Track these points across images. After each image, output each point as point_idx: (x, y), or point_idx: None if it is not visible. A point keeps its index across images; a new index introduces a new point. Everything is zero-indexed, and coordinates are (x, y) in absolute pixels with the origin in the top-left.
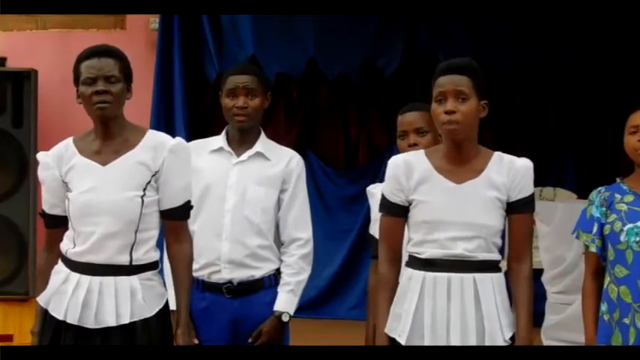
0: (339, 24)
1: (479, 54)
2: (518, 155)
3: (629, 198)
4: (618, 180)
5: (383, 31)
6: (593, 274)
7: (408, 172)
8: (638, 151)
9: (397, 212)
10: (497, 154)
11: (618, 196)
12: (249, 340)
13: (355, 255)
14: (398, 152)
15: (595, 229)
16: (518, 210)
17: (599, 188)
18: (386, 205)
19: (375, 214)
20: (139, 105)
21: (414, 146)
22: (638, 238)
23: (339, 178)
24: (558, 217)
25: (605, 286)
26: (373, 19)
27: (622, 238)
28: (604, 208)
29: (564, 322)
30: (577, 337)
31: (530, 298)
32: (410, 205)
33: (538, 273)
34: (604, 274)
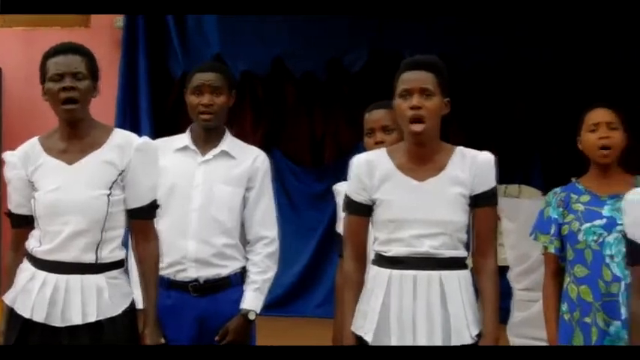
0: (305, 22)
1: (445, 51)
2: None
3: (586, 198)
4: (574, 180)
5: (349, 29)
6: (553, 274)
7: (371, 171)
8: (601, 149)
9: (361, 211)
10: (459, 149)
11: (574, 196)
12: (216, 339)
13: (322, 253)
14: (365, 150)
15: (553, 230)
16: (482, 204)
17: (555, 189)
18: (350, 204)
19: (342, 212)
20: (103, 103)
21: (380, 144)
22: (596, 237)
23: (306, 176)
24: (523, 214)
25: (565, 285)
26: (339, 16)
27: (580, 237)
28: (561, 209)
29: (530, 319)
30: (543, 334)
31: (495, 293)
32: (373, 203)
33: (504, 270)
34: (564, 275)
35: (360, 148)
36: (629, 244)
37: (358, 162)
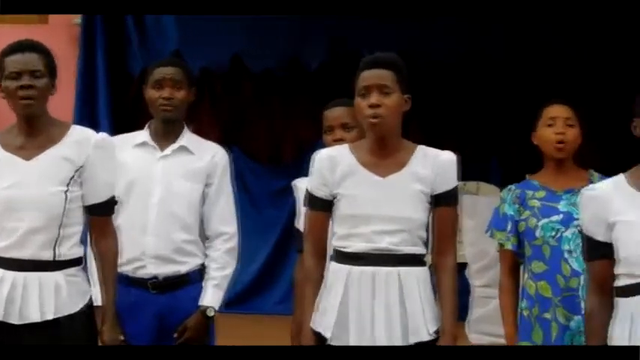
0: (264, 19)
1: (403, 50)
2: (443, 149)
3: (541, 194)
4: (528, 177)
5: (307, 26)
6: (510, 271)
7: (333, 166)
8: (557, 143)
9: (322, 206)
10: (421, 148)
11: (530, 193)
12: (174, 335)
13: (281, 250)
14: (324, 147)
15: (509, 226)
16: (443, 203)
17: (510, 186)
18: (311, 199)
19: (301, 208)
20: (61, 100)
21: (339, 141)
22: (554, 233)
23: (265, 172)
24: (482, 211)
25: (522, 282)
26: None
27: (538, 234)
28: (517, 205)
29: (488, 315)
30: (501, 331)
31: (454, 291)
32: (335, 199)
33: (462, 267)
34: (519, 271)
35: (320, 146)
36: (586, 240)
37: (320, 157)
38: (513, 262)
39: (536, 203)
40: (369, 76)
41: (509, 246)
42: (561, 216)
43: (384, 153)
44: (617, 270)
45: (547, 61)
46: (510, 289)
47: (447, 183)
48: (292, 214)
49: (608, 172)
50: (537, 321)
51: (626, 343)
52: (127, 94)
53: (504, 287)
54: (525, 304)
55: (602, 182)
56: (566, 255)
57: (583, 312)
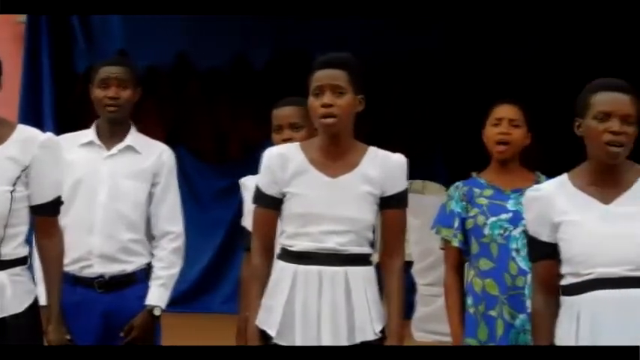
0: (209, 18)
1: (349, 48)
2: (386, 149)
3: (489, 192)
4: (474, 175)
5: (253, 25)
6: (455, 268)
7: (283, 164)
8: (499, 144)
9: (271, 204)
10: (372, 149)
11: (477, 191)
12: (121, 335)
13: (227, 249)
14: (271, 145)
15: (456, 223)
16: (392, 205)
17: (457, 183)
18: (260, 196)
19: (249, 207)
20: (5, 99)
21: (288, 141)
22: (502, 231)
23: (211, 171)
24: (428, 210)
25: (469, 279)
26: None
27: (486, 231)
28: (464, 203)
29: (434, 314)
30: (447, 329)
31: (401, 291)
32: (284, 197)
33: (408, 265)
34: (464, 269)
35: (267, 144)
36: (531, 240)
37: (270, 155)
38: (459, 259)
39: (484, 201)
40: (322, 76)
41: (455, 243)
42: (510, 215)
43: (335, 153)
44: (563, 269)
45: (492, 61)
46: (456, 286)
47: (397, 185)
48: (239, 212)
49: (558, 174)
50: (483, 318)
51: (572, 342)
52: (72, 92)
53: (449, 285)
54: (471, 302)
55: (546, 183)
56: (513, 254)
57: (528, 310)
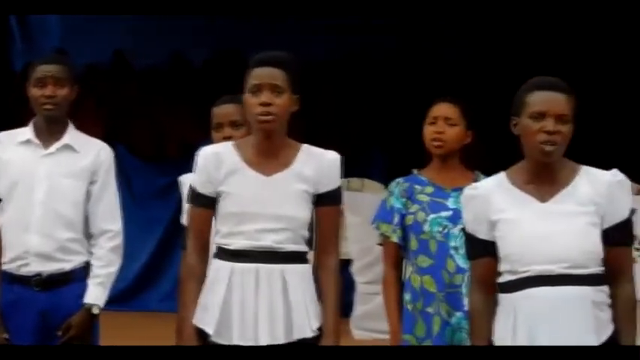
0: (147, 16)
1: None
2: (325, 147)
3: (430, 189)
4: (415, 172)
5: (190, 24)
6: (394, 264)
7: (218, 163)
8: (434, 141)
9: (206, 203)
10: (306, 147)
11: (418, 188)
12: (58, 333)
13: (165, 247)
14: (210, 143)
15: (396, 219)
16: (326, 202)
17: (397, 179)
18: (195, 196)
19: (187, 205)
20: None
21: (228, 139)
22: (441, 229)
23: (149, 169)
24: (367, 208)
25: (407, 276)
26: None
27: (425, 228)
28: (404, 199)
29: (373, 312)
30: (386, 327)
31: (337, 290)
32: (219, 196)
33: (347, 263)
34: (402, 265)
35: (206, 143)
36: (469, 238)
37: (205, 154)
38: (397, 255)
39: (425, 198)
40: (261, 74)
41: (394, 239)
42: (450, 212)
43: (269, 152)
44: (500, 267)
45: (434, 60)
46: (394, 282)
47: (331, 183)
48: (177, 210)
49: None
50: (420, 315)
51: (509, 339)
52: (9, 90)
53: (388, 281)
54: (409, 298)
55: (484, 181)
56: (452, 251)
57: (465, 308)
